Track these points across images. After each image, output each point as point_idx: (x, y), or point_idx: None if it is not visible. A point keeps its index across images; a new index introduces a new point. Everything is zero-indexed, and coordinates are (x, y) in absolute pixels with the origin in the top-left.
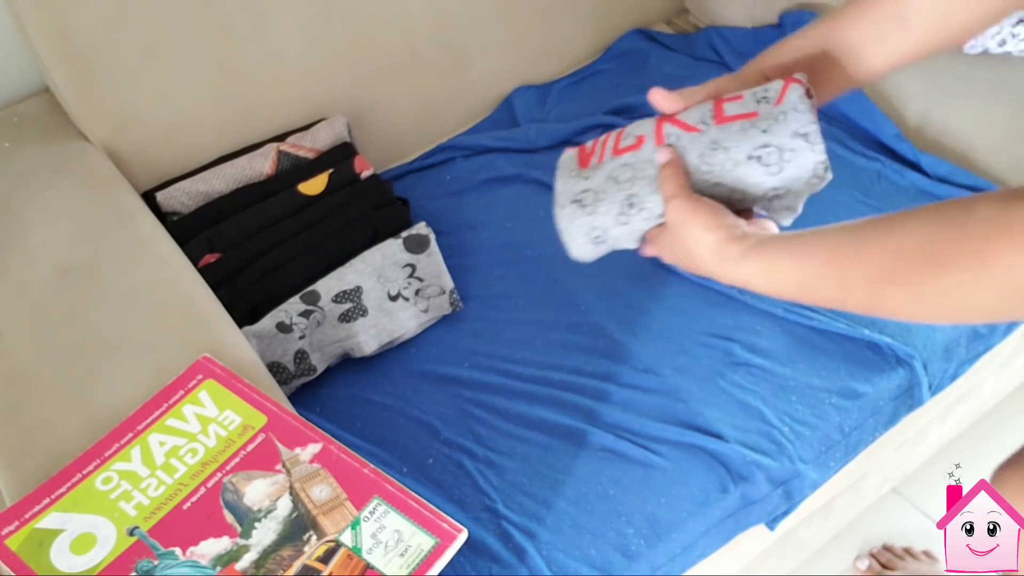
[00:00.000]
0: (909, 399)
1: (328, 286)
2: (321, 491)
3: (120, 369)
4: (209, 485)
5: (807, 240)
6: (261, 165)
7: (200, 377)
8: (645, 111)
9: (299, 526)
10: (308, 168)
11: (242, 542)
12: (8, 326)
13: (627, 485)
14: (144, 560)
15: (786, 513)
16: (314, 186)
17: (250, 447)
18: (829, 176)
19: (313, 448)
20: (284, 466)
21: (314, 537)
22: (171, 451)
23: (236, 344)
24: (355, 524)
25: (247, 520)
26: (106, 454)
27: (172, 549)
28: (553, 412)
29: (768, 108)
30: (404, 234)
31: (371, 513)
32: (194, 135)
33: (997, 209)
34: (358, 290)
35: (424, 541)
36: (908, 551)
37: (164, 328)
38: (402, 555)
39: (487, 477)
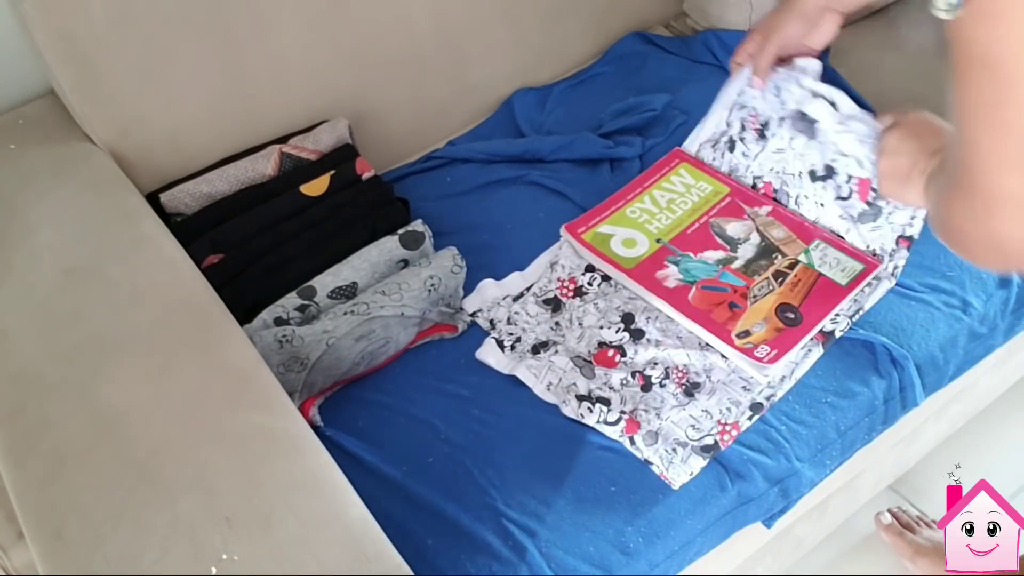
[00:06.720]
0: (903, 400)
1: (324, 282)
2: (779, 231)
3: (124, 368)
4: (700, 222)
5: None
6: (264, 167)
7: (676, 161)
8: (643, 113)
9: (768, 250)
10: (310, 169)
11: (732, 254)
12: (13, 326)
13: (626, 483)
14: (671, 256)
15: (783, 511)
16: (316, 187)
17: (722, 203)
18: None
19: (767, 207)
20: (749, 216)
21: (779, 256)
22: (669, 201)
23: (239, 343)
24: (807, 251)
25: (732, 243)
26: (627, 197)
27: (687, 253)
28: (553, 410)
29: None
30: (400, 231)
31: (815, 247)
32: (197, 137)
33: None
34: (353, 286)
35: (855, 265)
36: (922, 519)
37: (168, 328)
38: (842, 271)
39: (487, 475)
